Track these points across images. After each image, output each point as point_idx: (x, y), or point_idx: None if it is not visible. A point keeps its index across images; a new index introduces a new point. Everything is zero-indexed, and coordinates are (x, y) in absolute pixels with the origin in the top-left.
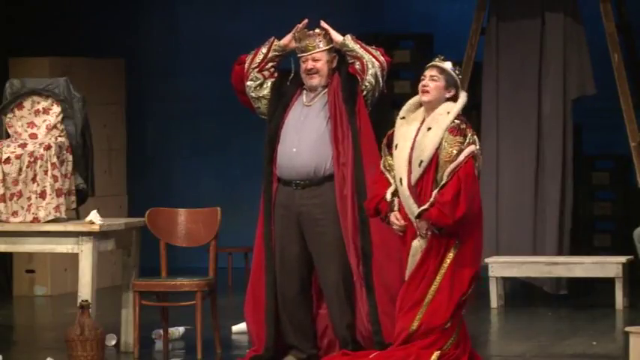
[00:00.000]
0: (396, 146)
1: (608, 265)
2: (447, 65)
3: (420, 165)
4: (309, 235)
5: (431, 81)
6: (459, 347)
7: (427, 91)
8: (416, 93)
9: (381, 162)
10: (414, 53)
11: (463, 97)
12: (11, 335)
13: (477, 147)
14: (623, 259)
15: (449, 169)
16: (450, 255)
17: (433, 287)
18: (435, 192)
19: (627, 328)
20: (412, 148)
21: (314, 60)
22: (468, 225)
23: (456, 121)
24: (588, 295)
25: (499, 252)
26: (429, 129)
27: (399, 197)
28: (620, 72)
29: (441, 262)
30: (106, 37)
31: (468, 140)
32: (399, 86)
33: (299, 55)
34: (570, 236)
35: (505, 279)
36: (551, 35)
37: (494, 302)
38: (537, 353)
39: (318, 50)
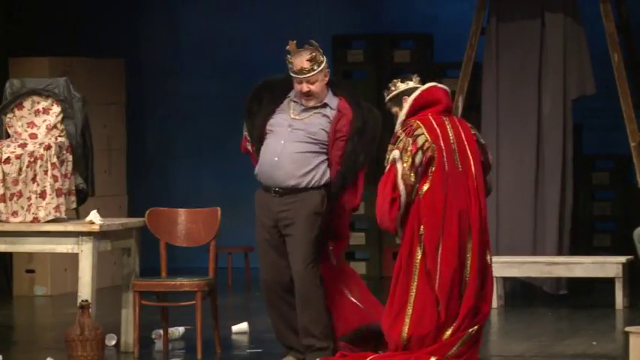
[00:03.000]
0: None
1: (608, 265)
2: (388, 92)
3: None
4: (285, 237)
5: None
6: (462, 357)
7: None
8: None
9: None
10: (414, 53)
11: (407, 103)
12: (11, 335)
13: (399, 152)
14: (623, 259)
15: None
16: (418, 259)
17: (412, 294)
18: None
19: (627, 328)
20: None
21: (309, 82)
22: (410, 227)
23: (398, 127)
24: (588, 295)
25: (499, 252)
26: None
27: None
28: (620, 72)
29: (409, 264)
30: (106, 37)
31: (395, 145)
32: None
33: (292, 74)
34: (570, 236)
35: (505, 279)
36: (551, 35)
37: (494, 302)
38: (537, 353)
39: (313, 73)
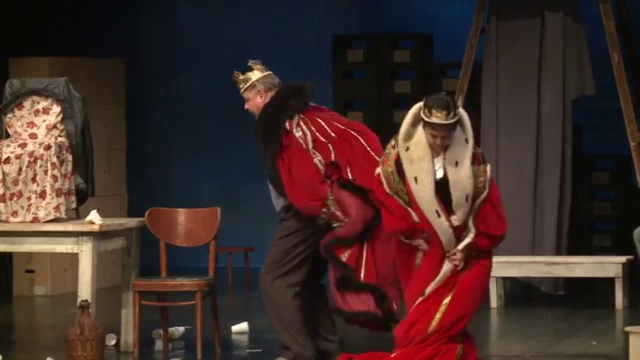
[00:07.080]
0: (416, 179)
1: (608, 265)
2: (453, 117)
3: (467, 200)
4: None
5: (443, 140)
6: (467, 336)
7: (444, 147)
8: (415, 93)
9: (387, 186)
10: (414, 53)
11: (465, 116)
12: (11, 335)
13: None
14: (623, 259)
15: (480, 199)
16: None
17: (452, 291)
18: (470, 222)
19: (627, 328)
20: (436, 183)
21: (246, 101)
22: None
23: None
24: (588, 295)
25: (498, 252)
26: (457, 163)
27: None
28: (620, 72)
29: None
30: (106, 37)
31: (485, 164)
32: (399, 86)
33: None
34: (570, 236)
35: (505, 279)
36: (551, 35)
37: (494, 302)
38: (537, 353)
39: (242, 91)
